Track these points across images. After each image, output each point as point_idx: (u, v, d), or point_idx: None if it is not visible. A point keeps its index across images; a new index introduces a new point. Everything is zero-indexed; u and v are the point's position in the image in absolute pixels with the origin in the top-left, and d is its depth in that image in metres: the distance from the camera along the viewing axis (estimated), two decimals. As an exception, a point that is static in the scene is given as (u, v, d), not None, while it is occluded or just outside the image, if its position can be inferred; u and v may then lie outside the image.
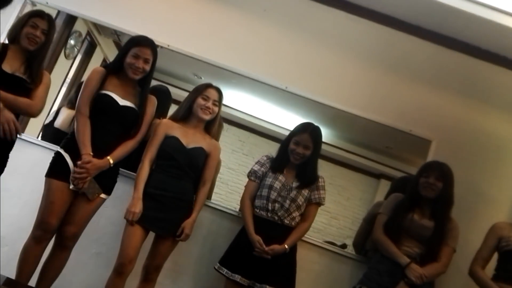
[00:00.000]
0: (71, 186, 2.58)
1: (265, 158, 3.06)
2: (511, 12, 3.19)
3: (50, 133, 3.51)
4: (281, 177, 2.94)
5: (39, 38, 2.66)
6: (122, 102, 2.72)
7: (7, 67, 2.58)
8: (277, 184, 2.91)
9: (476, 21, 3.26)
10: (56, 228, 2.61)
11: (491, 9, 3.19)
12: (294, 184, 2.94)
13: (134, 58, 2.72)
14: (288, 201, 2.88)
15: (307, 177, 2.97)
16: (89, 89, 2.70)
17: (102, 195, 2.68)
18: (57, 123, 3.50)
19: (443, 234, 2.82)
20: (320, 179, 3.01)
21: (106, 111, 2.69)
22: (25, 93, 2.62)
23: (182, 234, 2.74)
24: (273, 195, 2.88)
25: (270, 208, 2.88)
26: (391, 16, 3.57)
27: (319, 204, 2.99)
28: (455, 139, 3.52)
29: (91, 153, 2.59)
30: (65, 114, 3.52)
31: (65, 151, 2.65)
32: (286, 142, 3.01)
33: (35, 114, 2.71)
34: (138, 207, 2.67)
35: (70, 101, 3.57)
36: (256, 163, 3.06)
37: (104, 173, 2.65)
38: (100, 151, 2.63)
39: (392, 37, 3.61)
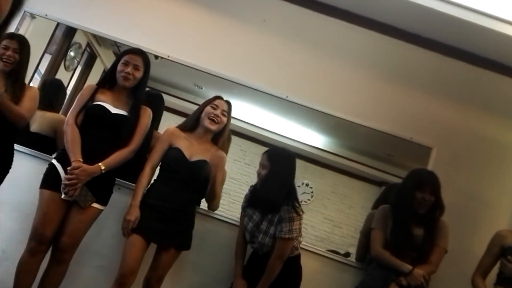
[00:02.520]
0: (63, 195, 2.56)
1: (248, 192, 3.00)
2: (509, 20, 3.20)
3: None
4: (254, 214, 2.86)
5: (13, 58, 2.72)
6: (114, 110, 2.72)
7: None
8: (250, 226, 2.85)
9: (475, 29, 3.27)
10: (51, 240, 2.60)
11: (489, 17, 3.20)
12: (263, 225, 2.80)
13: (124, 65, 2.77)
14: (261, 235, 2.78)
15: (270, 205, 2.79)
16: (78, 102, 2.74)
17: (97, 206, 2.66)
18: None
19: (433, 238, 2.86)
20: (286, 207, 2.73)
21: (98, 120, 2.69)
22: None
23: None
24: (248, 237, 2.86)
25: (254, 246, 2.85)
26: (391, 25, 3.58)
27: (281, 238, 2.70)
28: (456, 146, 3.53)
29: (81, 160, 2.58)
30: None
31: (58, 161, 2.65)
32: None
33: (21, 125, 2.75)
34: (134, 215, 2.65)
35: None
36: (245, 196, 3.00)
37: (98, 182, 2.63)
38: (93, 159, 2.61)
39: (391, 46, 3.61)
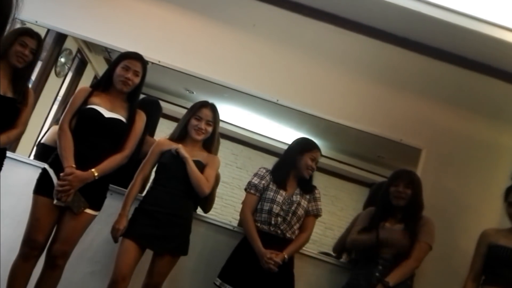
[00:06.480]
0: (55, 201, 2.55)
1: (264, 171, 3.02)
2: (496, 23, 3.24)
3: (38, 149, 3.51)
4: (282, 191, 2.92)
5: (27, 57, 2.68)
6: (108, 114, 2.70)
7: None
8: (279, 198, 2.88)
9: (462, 32, 3.30)
10: (43, 245, 2.59)
11: (477, 20, 3.23)
12: (295, 197, 2.92)
13: (124, 70, 2.75)
14: (290, 215, 2.87)
15: (308, 186, 3.01)
16: (72, 106, 2.71)
17: (91, 211, 2.64)
18: (44, 139, 3.49)
19: (413, 234, 2.88)
20: (316, 191, 3.02)
21: (91, 124, 2.68)
22: (14, 113, 2.65)
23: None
24: (276, 209, 2.86)
25: (273, 222, 2.85)
26: (379, 29, 3.61)
27: (316, 215, 2.99)
28: (445, 147, 3.56)
29: (74, 166, 2.56)
30: (52, 129, 3.52)
31: (51, 167, 2.64)
32: (293, 157, 3.00)
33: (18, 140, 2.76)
34: (122, 224, 2.69)
35: (58, 118, 3.60)
36: (255, 176, 3.01)
37: (92, 188, 2.62)
38: (86, 164, 2.60)
39: (380, 49, 3.65)
